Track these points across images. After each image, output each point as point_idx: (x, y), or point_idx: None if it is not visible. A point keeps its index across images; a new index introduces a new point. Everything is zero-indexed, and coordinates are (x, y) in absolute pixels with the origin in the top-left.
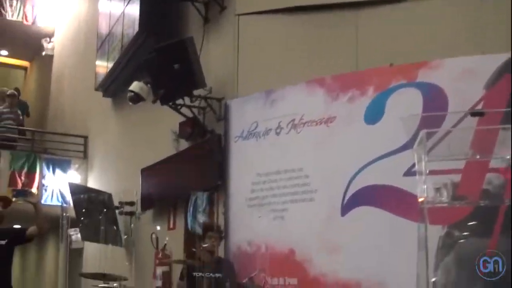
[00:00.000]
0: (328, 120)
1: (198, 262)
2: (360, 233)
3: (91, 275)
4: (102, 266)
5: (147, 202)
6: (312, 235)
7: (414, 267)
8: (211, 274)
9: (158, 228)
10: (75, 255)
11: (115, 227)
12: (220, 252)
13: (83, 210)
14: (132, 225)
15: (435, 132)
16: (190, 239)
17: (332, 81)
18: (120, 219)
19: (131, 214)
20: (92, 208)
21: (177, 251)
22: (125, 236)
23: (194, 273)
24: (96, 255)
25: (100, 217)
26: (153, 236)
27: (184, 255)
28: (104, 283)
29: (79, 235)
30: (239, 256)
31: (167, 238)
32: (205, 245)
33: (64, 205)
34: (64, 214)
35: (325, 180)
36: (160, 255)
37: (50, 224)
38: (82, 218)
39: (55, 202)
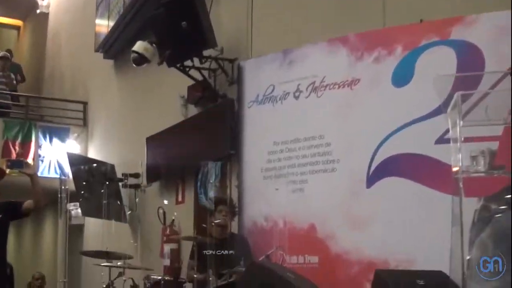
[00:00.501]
0: (352, 83)
1: (210, 238)
2: (387, 207)
3: (93, 253)
4: (104, 244)
5: (153, 173)
6: (334, 209)
7: (447, 244)
8: (223, 251)
9: (166, 202)
10: (75, 231)
11: (118, 202)
12: (234, 228)
13: (84, 183)
14: (137, 199)
15: (470, 95)
16: (201, 213)
17: (357, 40)
18: (124, 193)
19: (136, 187)
20: (93, 181)
21: (186, 227)
22: (130, 211)
23: (205, 251)
24: (98, 232)
25: (102, 190)
26: (160, 210)
27: (194, 231)
28: (107, 262)
29: (79, 210)
30: (254, 232)
31: (175, 213)
32: (217, 221)
33: (63, 177)
34: (63, 187)
35: (349, 148)
36: (167, 232)
37: (48, 198)
38: (82, 192)
39: (53, 174)
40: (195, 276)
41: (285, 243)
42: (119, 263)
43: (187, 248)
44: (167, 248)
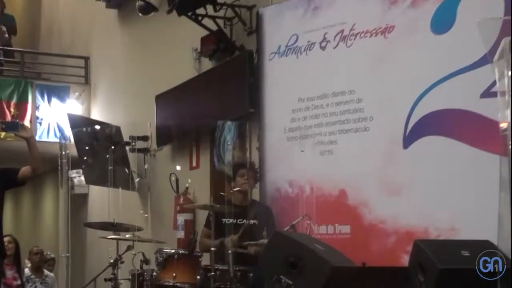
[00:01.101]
0: (386, 30)
1: (228, 207)
2: (427, 169)
3: (98, 225)
4: (111, 215)
5: (164, 136)
6: (367, 172)
7: (494, 210)
8: (244, 221)
9: (178, 167)
10: (78, 201)
11: (125, 168)
12: (255, 195)
13: (86, 148)
14: (147, 165)
15: None
16: (218, 179)
17: None
18: (132, 158)
19: (145, 151)
20: (97, 145)
21: (202, 195)
22: (138, 179)
23: (223, 220)
24: (103, 202)
25: (107, 155)
26: (172, 177)
27: (211, 199)
28: (114, 234)
29: (82, 178)
30: (278, 200)
31: (189, 180)
32: (237, 188)
33: (63, 141)
34: (64, 152)
35: (383, 104)
36: (181, 200)
37: (47, 164)
38: (85, 158)
39: (52, 138)
40: (211, 247)
41: (313, 212)
42: (127, 236)
43: (202, 218)
44: (180, 218)
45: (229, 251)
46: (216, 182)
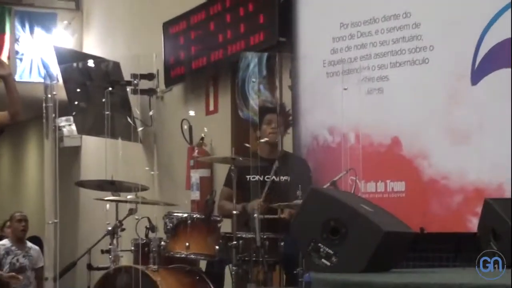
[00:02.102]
0: None
1: (254, 160)
2: (501, 110)
3: (93, 183)
4: (109, 172)
5: (173, 73)
6: (426, 116)
7: None
8: (274, 177)
9: (192, 112)
10: (68, 156)
11: (126, 114)
12: (287, 146)
13: (78, 90)
14: (152, 109)
15: None
16: (241, 127)
17: None
18: (134, 101)
19: (150, 92)
20: (91, 86)
21: (221, 146)
22: (142, 127)
23: (248, 177)
24: (99, 156)
25: (104, 98)
26: (185, 125)
27: (232, 151)
28: (113, 196)
29: (73, 127)
30: (315, 151)
31: (205, 128)
32: (264, 139)
33: (49, 81)
34: (50, 95)
35: (446, 31)
36: (196, 153)
37: (31, 111)
38: (76, 102)
39: (36, 77)
40: (233, 212)
41: (359, 165)
42: (129, 197)
43: (222, 175)
44: (195, 175)
45: (255, 215)
46: (239, 130)
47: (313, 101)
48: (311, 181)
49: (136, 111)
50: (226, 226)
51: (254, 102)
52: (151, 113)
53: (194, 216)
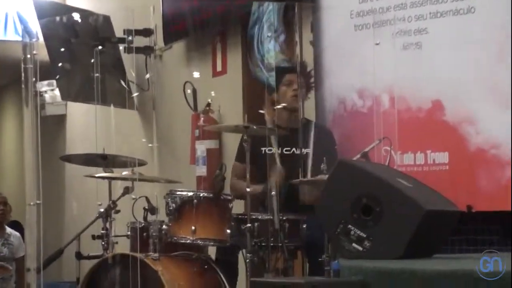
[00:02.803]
0: None
1: (270, 130)
2: None
3: (82, 158)
4: (99, 144)
5: (174, 28)
6: (472, 76)
7: None
8: (293, 149)
9: (196, 74)
10: (51, 126)
11: (119, 76)
12: (308, 112)
13: (62, 49)
14: (149, 73)
15: None
16: (254, 90)
17: None
18: (128, 61)
19: (147, 51)
20: (77, 43)
21: (231, 112)
22: (138, 93)
23: (263, 149)
24: (88, 126)
25: (92, 59)
26: (188, 88)
27: (245, 118)
28: (105, 172)
29: (57, 92)
30: (342, 118)
31: (212, 92)
32: (282, 105)
33: (28, 40)
34: (29, 55)
35: None
36: (201, 121)
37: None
38: (60, 63)
39: (12, 35)
40: (247, 189)
41: (394, 134)
42: (124, 174)
43: (232, 148)
44: (201, 148)
45: (273, 193)
46: (252, 94)
47: (339, 59)
48: (336, 152)
49: (131, 73)
50: (238, 207)
51: (269, 61)
52: (148, 75)
53: (201, 194)
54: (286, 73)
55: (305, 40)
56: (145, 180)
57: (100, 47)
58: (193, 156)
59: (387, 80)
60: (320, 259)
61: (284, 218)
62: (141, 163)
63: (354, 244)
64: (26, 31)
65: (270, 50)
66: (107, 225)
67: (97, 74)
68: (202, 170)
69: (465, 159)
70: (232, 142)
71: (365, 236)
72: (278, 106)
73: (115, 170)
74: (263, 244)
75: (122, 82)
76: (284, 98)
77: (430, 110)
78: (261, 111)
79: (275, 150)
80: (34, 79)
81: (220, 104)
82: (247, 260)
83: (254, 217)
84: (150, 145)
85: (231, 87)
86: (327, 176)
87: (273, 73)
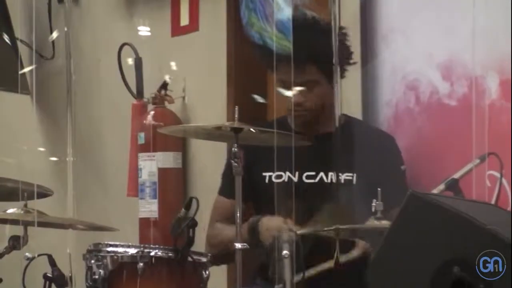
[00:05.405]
0: None
1: (281, 136)
2: None
3: None
4: None
5: None
6: None
7: None
8: (321, 173)
9: (143, 31)
10: None
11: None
12: (348, 104)
13: None
14: (56, 30)
15: None
16: (249, 64)
17: None
18: (21, 11)
19: None
20: None
21: (205, 101)
22: (32, 67)
23: (265, 174)
24: None
25: None
26: (128, 58)
27: (236, 113)
28: None
29: None
30: (411, 115)
31: (172, 64)
32: (294, 91)
33: None
34: None
35: None
36: (150, 116)
37: None
38: None
39: None
40: (237, 245)
41: (507, 148)
42: (10, 212)
43: (210, 165)
44: (149, 165)
45: (284, 253)
46: (245, 71)
47: (407, 12)
48: (403, 179)
49: (26, 33)
50: (220, 276)
51: (278, 12)
52: (55, 33)
53: (151, 253)
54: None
55: None
56: (49, 224)
57: None
58: (133, 181)
59: (496, 49)
60: None
61: None
62: (43, 193)
63: None
64: None
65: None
66: None
67: None
68: (150, 208)
69: None
70: (208, 158)
71: None
72: (289, 92)
73: None
74: None
75: (8, 42)
76: (302, 88)
77: None
78: (260, 100)
79: (289, 175)
80: None
81: (187, 87)
82: None
83: None
84: (53, 158)
85: (206, 57)
86: (385, 223)
87: (286, 35)
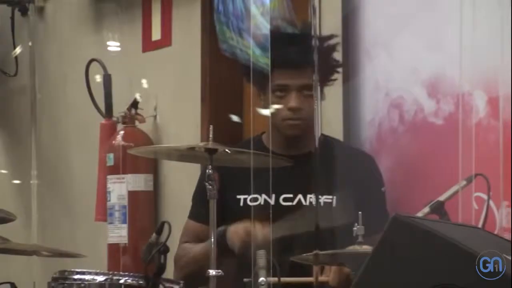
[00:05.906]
0: None
1: (259, 159)
2: None
3: None
4: None
5: None
6: None
7: None
8: (299, 195)
9: (112, 46)
10: None
11: None
12: (328, 122)
13: None
14: (20, 45)
15: None
16: (224, 80)
17: None
18: None
19: (17, 3)
20: None
21: (178, 120)
22: None
23: (239, 196)
24: None
25: None
26: (96, 74)
27: (210, 132)
28: None
29: None
30: (395, 134)
31: (143, 81)
32: (272, 108)
33: None
34: None
35: None
36: (119, 137)
37: None
38: None
39: None
40: (211, 272)
41: (496, 169)
42: None
43: (181, 187)
44: (118, 188)
45: (261, 280)
46: (219, 88)
47: (392, 22)
48: (384, 202)
49: None
50: None
51: (257, 25)
52: (18, 49)
53: (120, 281)
54: (283, 67)
55: None
56: (12, 250)
57: None
58: (101, 205)
59: (483, 66)
60: None
61: None
62: (5, 218)
63: None
64: None
65: (258, 7)
66: None
67: None
68: (119, 233)
69: None
70: (181, 180)
71: None
72: (267, 111)
73: None
74: None
75: None
76: (275, 117)
77: None
78: (235, 119)
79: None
80: None
81: (158, 105)
82: None
83: None
84: (15, 181)
85: (179, 73)
86: (366, 247)
87: (265, 49)
